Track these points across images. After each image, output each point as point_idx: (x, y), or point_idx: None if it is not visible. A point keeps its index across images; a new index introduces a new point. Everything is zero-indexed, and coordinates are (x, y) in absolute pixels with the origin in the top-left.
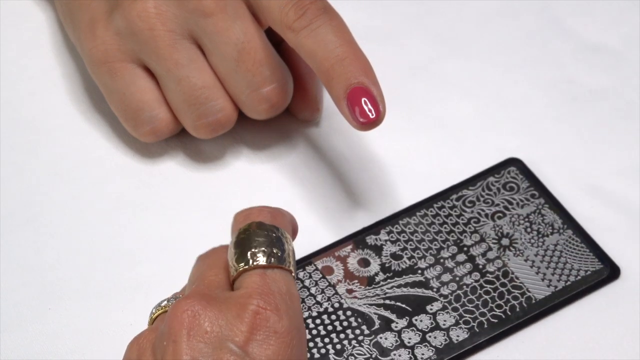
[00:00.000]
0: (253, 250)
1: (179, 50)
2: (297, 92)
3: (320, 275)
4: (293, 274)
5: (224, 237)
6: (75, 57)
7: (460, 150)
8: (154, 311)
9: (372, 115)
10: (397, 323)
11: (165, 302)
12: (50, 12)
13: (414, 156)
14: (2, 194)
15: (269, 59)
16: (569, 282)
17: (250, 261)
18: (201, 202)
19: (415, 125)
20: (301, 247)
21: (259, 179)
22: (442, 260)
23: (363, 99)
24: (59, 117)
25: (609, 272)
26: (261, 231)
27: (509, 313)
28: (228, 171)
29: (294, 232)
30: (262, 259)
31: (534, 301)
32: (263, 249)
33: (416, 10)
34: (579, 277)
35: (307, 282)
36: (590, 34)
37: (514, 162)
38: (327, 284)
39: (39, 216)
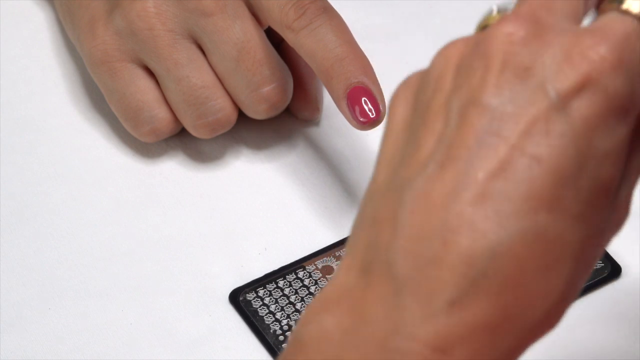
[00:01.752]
0: None
1: (178, 50)
2: (297, 92)
3: (320, 275)
4: None
5: (224, 237)
6: (75, 57)
7: None
8: (485, 18)
9: (373, 114)
10: None
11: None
12: (49, 11)
13: None
14: (2, 193)
15: (268, 58)
16: None
17: (623, 2)
18: (201, 202)
19: None
20: (301, 247)
21: (259, 179)
22: None
23: (363, 99)
24: (59, 117)
25: (609, 271)
26: None
27: None
28: (228, 171)
29: None
30: (637, 7)
31: None
32: None
33: (416, 10)
34: None
35: (306, 282)
36: None
37: None
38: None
39: (38, 216)
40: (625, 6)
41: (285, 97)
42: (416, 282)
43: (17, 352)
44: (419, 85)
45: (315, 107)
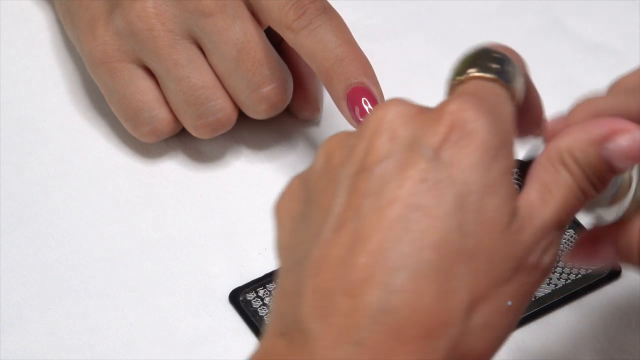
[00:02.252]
0: (468, 64)
1: (178, 50)
2: (297, 92)
3: None
4: (515, 93)
5: (224, 237)
6: (74, 57)
7: None
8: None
9: None
10: None
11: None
12: (49, 11)
13: None
14: (2, 193)
15: (268, 58)
16: (569, 281)
17: (462, 74)
18: (201, 202)
19: None
20: None
21: (259, 179)
22: None
23: (363, 99)
24: (59, 117)
25: (609, 271)
26: (482, 51)
27: None
28: (228, 171)
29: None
30: (474, 72)
31: (533, 299)
32: (478, 62)
33: (416, 9)
34: (579, 276)
35: None
36: (591, 33)
37: (516, 163)
38: None
39: (38, 216)
40: (468, 74)
41: (285, 97)
42: (324, 329)
43: (17, 352)
44: (305, 178)
45: (315, 107)
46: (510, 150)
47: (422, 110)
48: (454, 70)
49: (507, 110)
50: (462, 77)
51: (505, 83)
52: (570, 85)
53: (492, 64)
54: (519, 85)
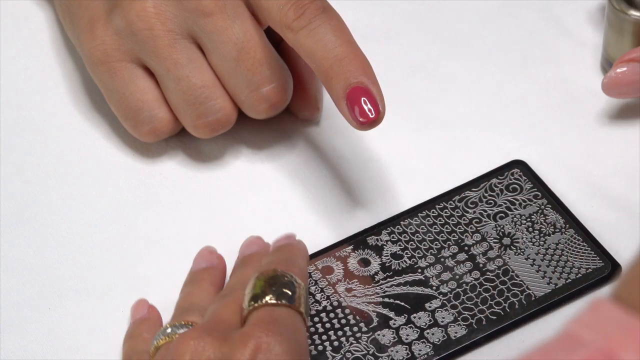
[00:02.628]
0: (264, 291)
1: (178, 50)
2: (296, 92)
3: (320, 275)
4: (303, 317)
5: (224, 236)
6: (74, 57)
7: (460, 149)
8: (157, 341)
9: (372, 114)
10: (395, 320)
11: (170, 329)
12: (49, 11)
13: (413, 155)
14: (2, 193)
15: (268, 58)
16: (569, 280)
17: (261, 300)
18: (201, 202)
19: (415, 124)
20: None
21: (258, 179)
22: (442, 259)
23: (362, 99)
24: (59, 117)
25: (610, 269)
26: (274, 276)
27: (508, 310)
28: (228, 171)
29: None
30: (272, 299)
31: (533, 298)
32: (273, 289)
33: (416, 9)
34: (579, 275)
35: None
36: (590, 33)
37: (518, 164)
38: (327, 283)
39: (38, 216)
40: (263, 301)
41: (285, 97)
42: None
43: (17, 352)
44: None
45: (315, 106)
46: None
47: (228, 337)
48: (249, 294)
49: (303, 332)
50: (259, 304)
51: (297, 308)
52: (569, 85)
53: (284, 289)
54: (307, 307)
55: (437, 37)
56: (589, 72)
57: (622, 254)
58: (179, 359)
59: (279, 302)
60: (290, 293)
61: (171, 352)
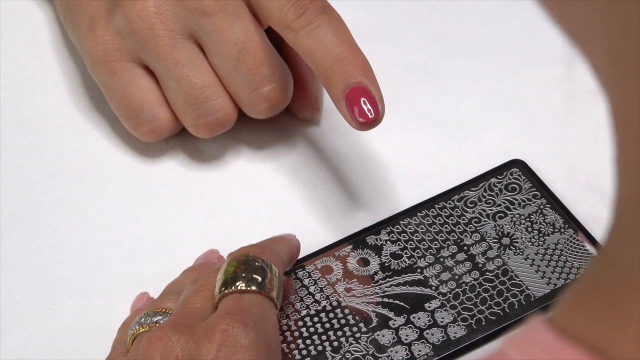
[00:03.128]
0: (234, 276)
1: (178, 50)
2: (297, 92)
3: (319, 275)
4: (274, 302)
5: (224, 236)
6: (75, 57)
7: (460, 149)
8: (132, 331)
9: (371, 115)
10: (394, 320)
11: (143, 318)
12: (49, 11)
13: (413, 155)
14: (2, 193)
15: (269, 58)
16: (568, 280)
17: (230, 287)
18: (201, 202)
19: (415, 124)
20: (301, 246)
21: (259, 179)
22: (441, 259)
23: (362, 99)
24: (59, 117)
25: None
26: (245, 261)
27: (507, 310)
28: (228, 171)
29: (293, 259)
30: (241, 285)
31: (532, 299)
32: (243, 275)
33: (416, 9)
34: (578, 275)
35: (306, 282)
36: None
37: (517, 164)
38: (326, 282)
39: (38, 215)
40: (233, 288)
41: (286, 97)
42: None
43: (17, 352)
44: None
45: (315, 106)
46: (278, 356)
47: (195, 331)
48: (220, 280)
49: (272, 319)
50: (228, 290)
51: (267, 293)
52: (569, 85)
53: (254, 274)
54: (278, 291)
55: (437, 37)
56: (588, 72)
57: None
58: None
59: (248, 288)
60: (260, 278)
61: (141, 354)
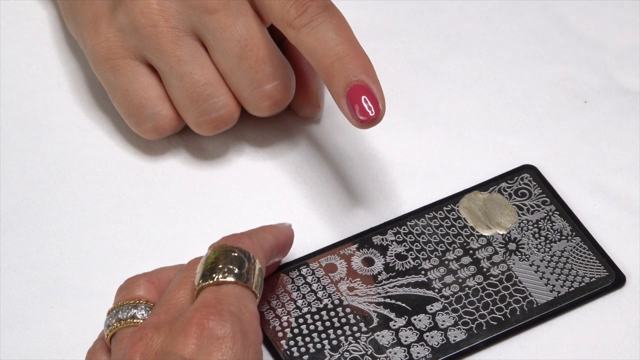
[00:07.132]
0: (212, 268)
1: (181, 47)
2: (298, 90)
3: (323, 272)
4: (253, 291)
5: (226, 234)
6: (77, 55)
7: (463, 147)
8: (112, 326)
9: (372, 113)
10: (395, 321)
11: (120, 313)
12: (52, 9)
13: (415, 154)
14: (4, 191)
15: (271, 56)
16: (572, 288)
17: (208, 279)
18: (203, 200)
19: (417, 122)
20: (301, 245)
21: (260, 177)
22: (446, 262)
23: (363, 97)
24: (61, 115)
25: (614, 279)
26: (224, 251)
27: (509, 316)
28: (230, 169)
29: (283, 246)
30: (218, 276)
31: (535, 305)
32: (220, 266)
33: (418, 8)
34: (583, 284)
35: (309, 279)
36: (593, 31)
37: (528, 169)
38: (329, 280)
39: (40, 214)
40: (210, 280)
41: (288, 95)
42: None
43: (18, 350)
44: None
45: (316, 104)
46: (257, 346)
47: (173, 326)
48: (199, 272)
49: (250, 308)
50: (206, 283)
51: (245, 283)
52: (571, 83)
53: (231, 265)
54: (257, 280)
55: (440, 35)
56: (591, 70)
57: (628, 265)
58: (131, 355)
59: (226, 279)
60: (237, 269)
61: (124, 355)
